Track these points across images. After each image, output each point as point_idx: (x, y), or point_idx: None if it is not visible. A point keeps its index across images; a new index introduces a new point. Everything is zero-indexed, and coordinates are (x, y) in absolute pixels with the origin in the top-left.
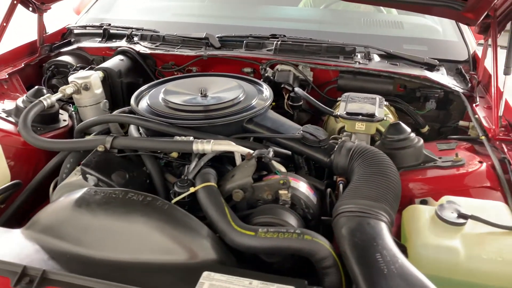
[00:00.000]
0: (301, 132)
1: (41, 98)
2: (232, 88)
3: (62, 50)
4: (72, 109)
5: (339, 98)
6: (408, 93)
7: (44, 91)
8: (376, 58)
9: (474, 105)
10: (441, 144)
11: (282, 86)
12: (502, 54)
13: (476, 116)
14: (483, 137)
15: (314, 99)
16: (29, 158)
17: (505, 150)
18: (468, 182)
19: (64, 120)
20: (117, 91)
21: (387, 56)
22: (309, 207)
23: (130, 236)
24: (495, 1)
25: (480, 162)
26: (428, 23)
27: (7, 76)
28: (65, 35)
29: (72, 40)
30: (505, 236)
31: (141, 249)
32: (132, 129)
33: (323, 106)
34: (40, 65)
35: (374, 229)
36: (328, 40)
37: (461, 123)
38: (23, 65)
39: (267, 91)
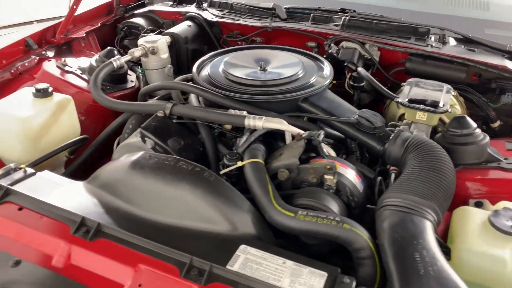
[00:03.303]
0: (357, 116)
1: (111, 59)
2: (291, 64)
3: (135, 12)
4: (140, 71)
5: (403, 84)
6: (482, 83)
7: (115, 52)
8: (452, 42)
9: None
10: (510, 143)
11: (345, 64)
12: None
13: None
14: None
15: (377, 82)
16: (98, 114)
17: None
18: None
19: (132, 81)
20: (183, 57)
21: (465, 41)
22: (354, 195)
23: (176, 201)
24: None
25: None
26: None
27: (84, 35)
28: None
29: (146, 2)
30: None
31: (184, 215)
32: (192, 97)
33: (386, 90)
34: (115, 26)
35: (417, 227)
36: (401, 18)
37: None
38: (99, 25)
39: (327, 69)
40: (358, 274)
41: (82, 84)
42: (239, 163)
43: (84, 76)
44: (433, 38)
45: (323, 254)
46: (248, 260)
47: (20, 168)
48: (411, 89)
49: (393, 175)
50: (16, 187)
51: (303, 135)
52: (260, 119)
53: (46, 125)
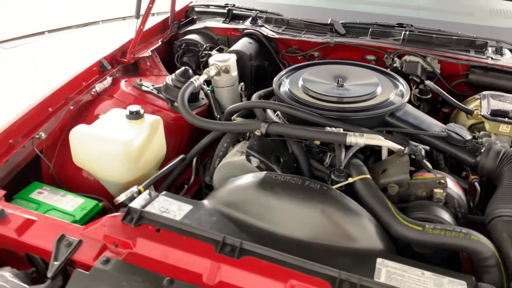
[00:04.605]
0: (446, 130)
1: (192, 80)
2: (368, 80)
3: (189, 28)
4: (208, 88)
5: (476, 96)
6: None
7: (190, 71)
8: (508, 53)
9: None
10: None
11: (410, 77)
12: None
13: None
14: None
15: (448, 95)
16: (176, 132)
17: None
18: None
19: (202, 99)
20: (247, 73)
21: None
22: (462, 206)
23: (309, 219)
24: None
25: None
26: None
27: (150, 53)
28: (188, 13)
29: (194, 17)
30: None
31: (318, 231)
32: (270, 112)
33: (460, 104)
34: (168, 42)
35: None
36: (458, 32)
37: None
38: (160, 42)
39: (403, 86)
40: (483, 281)
41: (160, 103)
42: (350, 179)
43: (160, 95)
44: (490, 50)
45: (433, 262)
46: (390, 272)
47: (140, 191)
48: (489, 102)
49: (476, 184)
50: (148, 209)
51: (405, 151)
52: (362, 136)
53: (144, 146)
